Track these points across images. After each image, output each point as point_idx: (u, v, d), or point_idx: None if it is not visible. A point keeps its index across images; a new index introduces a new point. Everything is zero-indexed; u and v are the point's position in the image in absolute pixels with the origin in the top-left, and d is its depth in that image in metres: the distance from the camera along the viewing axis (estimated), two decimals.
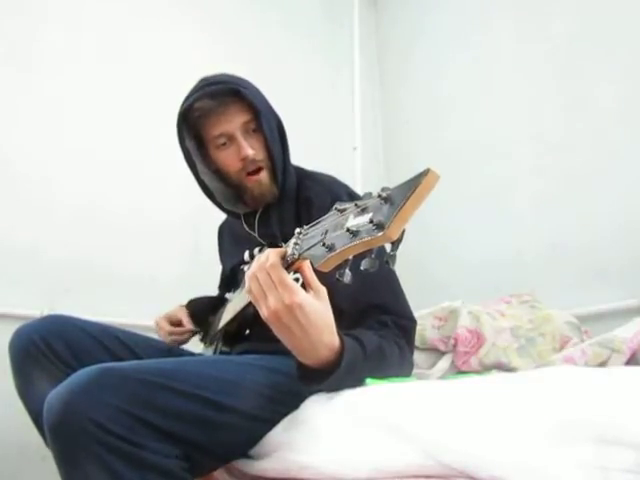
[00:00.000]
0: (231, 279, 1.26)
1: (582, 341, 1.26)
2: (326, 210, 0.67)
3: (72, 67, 1.77)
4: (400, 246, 0.58)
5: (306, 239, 0.68)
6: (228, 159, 1.08)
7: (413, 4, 2.43)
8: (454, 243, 2.01)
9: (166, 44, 1.98)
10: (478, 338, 1.25)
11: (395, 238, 0.55)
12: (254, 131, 1.08)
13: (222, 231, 1.39)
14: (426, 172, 0.53)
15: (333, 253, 0.60)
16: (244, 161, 1.07)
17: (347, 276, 0.64)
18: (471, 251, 1.93)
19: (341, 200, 1.02)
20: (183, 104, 1.07)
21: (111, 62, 1.84)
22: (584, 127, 1.66)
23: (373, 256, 0.59)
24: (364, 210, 0.58)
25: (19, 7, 1.70)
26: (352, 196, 1.09)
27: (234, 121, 1.05)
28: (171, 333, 1.27)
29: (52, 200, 1.66)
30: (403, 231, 0.55)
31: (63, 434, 0.70)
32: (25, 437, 1.10)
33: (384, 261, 0.59)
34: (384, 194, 0.55)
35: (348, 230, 0.58)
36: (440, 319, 1.33)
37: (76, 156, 1.72)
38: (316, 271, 0.70)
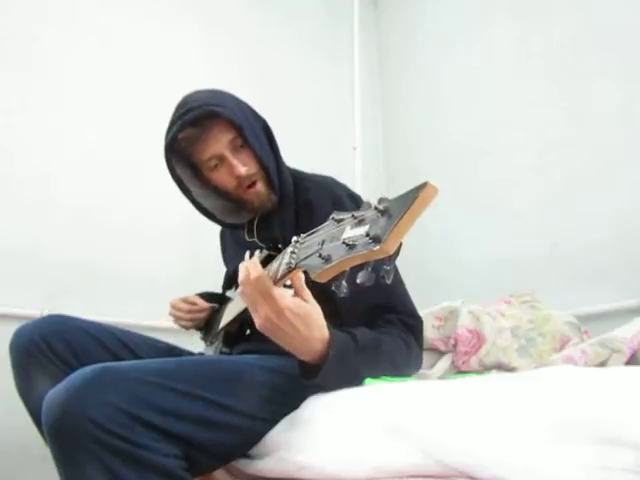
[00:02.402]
0: (234, 280, 1.26)
1: (582, 341, 1.26)
2: (327, 212, 0.66)
3: (72, 67, 1.77)
4: (397, 258, 0.57)
5: (303, 248, 0.67)
6: (223, 179, 1.09)
7: (413, 4, 2.44)
8: (454, 243, 2.01)
9: (167, 44, 1.98)
10: (478, 338, 1.25)
11: (392, 252, 0.53)
12: (242, 146, 1.08)
13: (224, 234, 1.40)
14: (424, 185, 0.51)
15: (329, 265, 0.59)
16: (239, 178, 1.08)
17: (343, 288, 0.63)
18: (471, 251, 1.93)
19: (341, 201, 1.05)
20: (167, 136, 1.07)
21: (112, 62, 1.84)
22: (584, 127, 1.66)
23: (370, 269, 0.58)
24: (361, 222, 0.57)
25: (18, 7, 1.70)
26: (352, 197, 1.10)
27: (220, 142, 1.06)
28: (190, 311, 1.29)
29: (52, 200, 1.66)
30: (400, 245, 0.54)
31: (61, 433, 0.69)
32: (25, 437, 1.10)
33: (380, 276, 0.58)
34: (381, 206, 0.54)
35: (344, 242, 0.57)
36: (440, 319, 1.33)
37: (76, 156, 1.72)
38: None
